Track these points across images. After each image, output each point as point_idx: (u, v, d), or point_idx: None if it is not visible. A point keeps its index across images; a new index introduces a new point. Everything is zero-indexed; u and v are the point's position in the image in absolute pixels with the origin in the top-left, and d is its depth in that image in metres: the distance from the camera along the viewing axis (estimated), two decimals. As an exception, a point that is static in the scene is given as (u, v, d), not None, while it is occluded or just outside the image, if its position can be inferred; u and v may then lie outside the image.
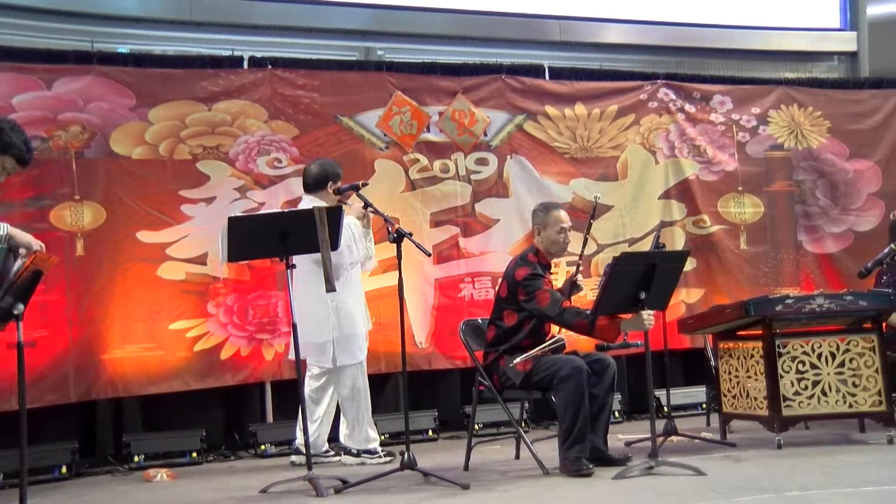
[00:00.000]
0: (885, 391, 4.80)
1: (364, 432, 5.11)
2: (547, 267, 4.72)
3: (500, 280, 4.82)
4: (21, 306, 3.62)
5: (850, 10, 8.22)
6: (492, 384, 4.62)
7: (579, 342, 5.54)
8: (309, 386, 5.11)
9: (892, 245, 5.26)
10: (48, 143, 5.40)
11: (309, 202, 4.97)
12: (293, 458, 5.15)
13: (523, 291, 4.54)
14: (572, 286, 4.73)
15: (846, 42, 8.20)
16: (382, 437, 5.74)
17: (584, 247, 4.87)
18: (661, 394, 5.95)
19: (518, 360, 4.47)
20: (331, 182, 5.04)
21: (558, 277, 5.80)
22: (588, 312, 4.45)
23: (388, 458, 5.04)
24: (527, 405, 5.53)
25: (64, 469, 5.03)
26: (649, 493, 3.88)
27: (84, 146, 5.48)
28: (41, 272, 3.71)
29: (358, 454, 5.11)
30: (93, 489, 4.82)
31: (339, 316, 4.98)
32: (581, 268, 4.84)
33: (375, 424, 5.82)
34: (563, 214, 4.72)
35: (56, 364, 5.27)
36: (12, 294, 3.59)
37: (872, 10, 8.34)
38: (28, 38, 5.89)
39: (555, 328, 4.71)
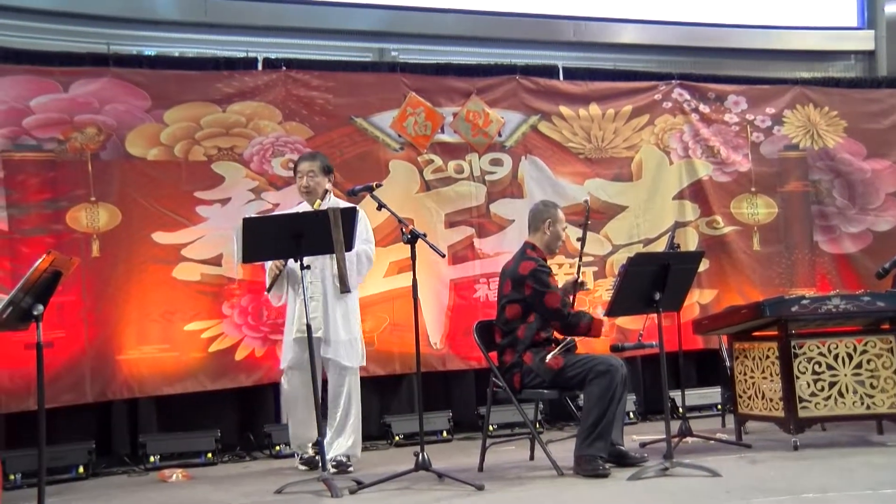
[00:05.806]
0: (903, 393, 4.77)
1: (349, 437, 4.91)
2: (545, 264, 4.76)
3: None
4: (41, 307, 3.63)
5: (868, 8, 8.12)
6: (506, 385, 4.61)
7: (594, 343, 5.53)
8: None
9: (910, 245, 5.22)
10: (65, 145, 5.43)
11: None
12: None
13: (532, 285, 4.56)
14: (575, 284, 4.74)
15: (863, 41, 8.12)
16: (397, 438, 5.76)
17: (582, 247, 4.88)
18: (675, 395, 5.92)
19: (549, 357, 4.47)
20: None
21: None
22: (587, 313, 4.64)
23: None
24: (541, 406, 5.51)
25: (81, 469, 5.06)
26: (664, 494, 3.87)
27: (100, 148, 5.51)
28: (60, 273, 3.72)
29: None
30: (109, 489, 4.85)
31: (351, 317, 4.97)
32: (582, 267, 4.90)
33: (390, 426, 5.84)
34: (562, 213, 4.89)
35: (72, 364, 5.31)
36: (32, 295, 3.61)
37: (890, 9, 8.25)
38: (45, 40, 5.91)
39: None
